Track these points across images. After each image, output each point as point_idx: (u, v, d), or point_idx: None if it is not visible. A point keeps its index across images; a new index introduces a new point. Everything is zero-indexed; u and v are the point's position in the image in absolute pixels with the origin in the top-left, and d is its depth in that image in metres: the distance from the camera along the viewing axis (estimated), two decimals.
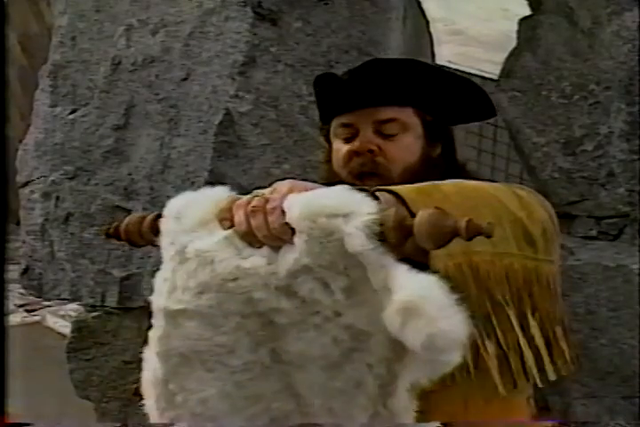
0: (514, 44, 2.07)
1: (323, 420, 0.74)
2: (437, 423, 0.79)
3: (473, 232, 0.62)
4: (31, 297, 2.72)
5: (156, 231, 0.78)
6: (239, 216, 0.72)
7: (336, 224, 0.65)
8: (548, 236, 0.91)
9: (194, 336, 0.73)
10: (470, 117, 1.19)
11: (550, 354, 0.91)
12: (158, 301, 0.75)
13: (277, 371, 0.75)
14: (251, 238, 0.71)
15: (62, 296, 2.12)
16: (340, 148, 1.09)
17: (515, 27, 2.08)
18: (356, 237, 0.64)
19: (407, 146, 1.07)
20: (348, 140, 1.08)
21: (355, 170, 1.06)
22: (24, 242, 2.17)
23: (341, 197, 0.68)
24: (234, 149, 1.81)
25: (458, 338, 0.60)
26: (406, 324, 0.60)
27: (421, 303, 0.60)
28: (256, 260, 0.71)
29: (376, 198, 0.71)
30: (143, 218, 0.80)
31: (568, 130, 1.96)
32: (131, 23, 1.99)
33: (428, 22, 2.91)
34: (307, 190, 0.71)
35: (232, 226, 0.72)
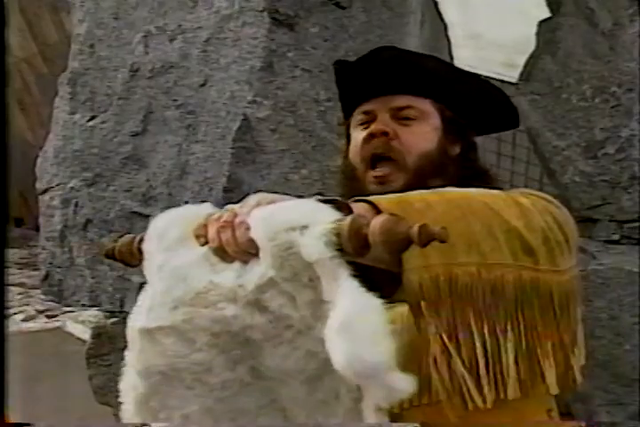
0: (533, 46, 2.06)
1: None
2: (416, 424, 0.78)
3: (426, 238, 0.60)
4: (51, 303, 2.73)
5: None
6: (211, 231, 0.72)
7: (294, 237, 0.65)
8: (551, 244, 0.88)
9: (171, 353, 0.73)
10: (493, 123, 1.18)
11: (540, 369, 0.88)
12: (135, 321, 0.75)
13: (260, 387, 0.75)
14: (222, 253, 0.72)
15: (82, 302, 2.13)
16: (358, 135, 1.10)
17: (534, 29, 2.07)
18: (313, 246, 0.64)
19: (423, 134, 1.07)
20: (365, 127, 1.09)
21: (368, 153, 1.06)
22: (44, 248, 2.19)
23: (301, 209, 0.67)
24: (252, 154, 1.81)
25: (376, 367, 0.59)
26: (336, 341, 0.60)
27: (354, 324, 0.60)
28: (227, 274, 0.71)
29: (348, 209, 0.70)
30: (133, 239, 0.81)
31: (589, 133, 1.93)
32: (148, 30, 2.00)
33: (445, 26, 2.90)
34: (274, 203, 0.70)
35: (207, 242, 0.73)
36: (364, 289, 0.62)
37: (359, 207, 0.74)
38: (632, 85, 1.87)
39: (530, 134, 2.07)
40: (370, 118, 1.08)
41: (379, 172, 1.04)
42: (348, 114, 1.15)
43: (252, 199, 0.73)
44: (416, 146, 1.05)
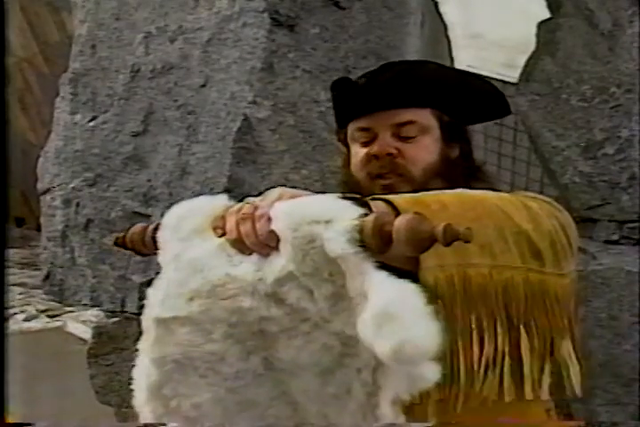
0: (533, 47, 2.06)
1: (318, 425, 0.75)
2: (429, 423, 0.78)
3: (450, 237, 0.61)
4: (53, 303, 2.74)
5: (157, 241, 0.79)
6: (230, 223, 0.73)
7: (317, 231, 0.65)
8: (557, 248, 0.89)
9: (186, 343, 0.74)
10: (485, 116, 1.19)
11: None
12: (150, 310, 0.76)
13: (272, 378, 0.76)
14: (240, 246, 0.72)
15: (83, 302, 2.13)
16: (359, 151, 1.10)
17: (534, 30, 2.07)
18: (336, 242, 0.64)
19: (426, 147, 1.07)
20: (366, 144, 1.08)
21: (374, 171, 1.06)
22: (45, 248, 2.19)
23: (325, 204, 0.68)
24: (252, 154, 1.81)
25: (428, 347, 0.59)
26: (380, 329, 0.60)
27: (397, 309, 0.59)
28: (245, 267, 0.72)
29: (367, 206, 0.71)
30: (146, 228, 0.81)
31: (588, 133, 1.94)
32: (149, 31, 2.01)
33: (446, 27, 2.91)
34: (295, 198, 0.71)
35: (224, 234, 0.73)
36: (395, 277, 0.63)
37: (377, 205, 0.75)
38: (631, 86, 1.87)
39: (530, 135, 2.07)
40: (370, 136, 1.07)
41: (385, 181, 1.05)
42: (342, 125, 1.15)
43: (274, 193, 0.73)
44: (420, 160, 1.06)
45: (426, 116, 1.08)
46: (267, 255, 0.71)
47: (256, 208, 0.71)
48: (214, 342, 0.73)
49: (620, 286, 1.83)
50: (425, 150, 1.07)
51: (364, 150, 1.08)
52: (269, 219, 0.69)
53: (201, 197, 0.79)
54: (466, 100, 1.11)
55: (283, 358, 0.74)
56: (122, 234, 0.84)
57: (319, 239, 0.66)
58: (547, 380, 0.88)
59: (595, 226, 1.97)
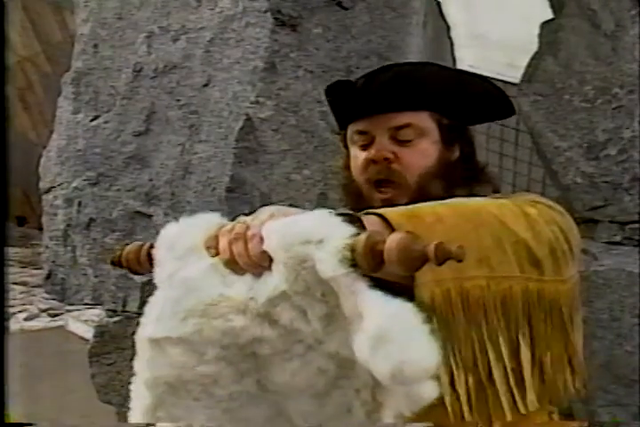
0: (535, 47, 2.06)
1: None
2: (430, 424, 0.78)
3: (442, 257, 0.60)
4: (54, 302, 2.74)
5: (152, 260, 0.79)
6: (222, 244, 0.72)
7: (309, 251, 0.65)
8: (557, 255, 0.88)
9: (179, 364, 0.73)
10: (488, 116, 1.17)
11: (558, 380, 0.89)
12: (144, 330, 0.75)
13: (267, 399, 0.75)
14: (233, 266, 0.71)
15: (85, 301, 2.13)
16: (357, 155, 1.09)
17: (536, 30, 2.07)
18: (327, 263, 0.63)
19: (423, 151, 1.06)
20: (364, 148, 1.08)
21: (372, 177, 1.06)
22: (47, 247, 2.20)
23: (316, 223, 0.67)
24: (254, 154, 1.81)
25: (427, 367, 0.58)
26: (376, 351, 0.59)
27: (393, 330, 0.59)
28: (239, 287, 0.71)
29: (360, 222, 0.70)
30: (141, 247, 0.81)
31: (591, 134, 1.94)
32: (152, 30, 2.01)
33: (448, 27, 2.91)
34: (288, 216, 0.70)
35: (218, 253, 0.73)
36: (389, 296, 0.62)
37: (371, 221, 0.74)
38: (634, 87, 1.87)
39: (532, 135, 2.07)
40: (368, 139, 1.06)
41: (384, 195, 1.04)
42: (342, 126, 1.15)
43: (265, 212, 0.73)
44: (417, 165, 1.04)
45: (423, 119, 1.06)
46: (260, 275, 0.71)
47: (248, 228, 0.71)
48: (207, 364, 0.72)
49: (622, 287, 1.83)
50: (422, 154, 1.06)
51: (363, 154, 1.07)
52: (261, 239, 0.69)
53: (196, 215, 0.78)
54: (466, 101, 1.09)
55: (276, 380, 0.73)
56: (117, 253, 0.83)
57: (311, 260, 0.65)
58: (548, 388, 0.88)
59: (596, 227, 1.97)
